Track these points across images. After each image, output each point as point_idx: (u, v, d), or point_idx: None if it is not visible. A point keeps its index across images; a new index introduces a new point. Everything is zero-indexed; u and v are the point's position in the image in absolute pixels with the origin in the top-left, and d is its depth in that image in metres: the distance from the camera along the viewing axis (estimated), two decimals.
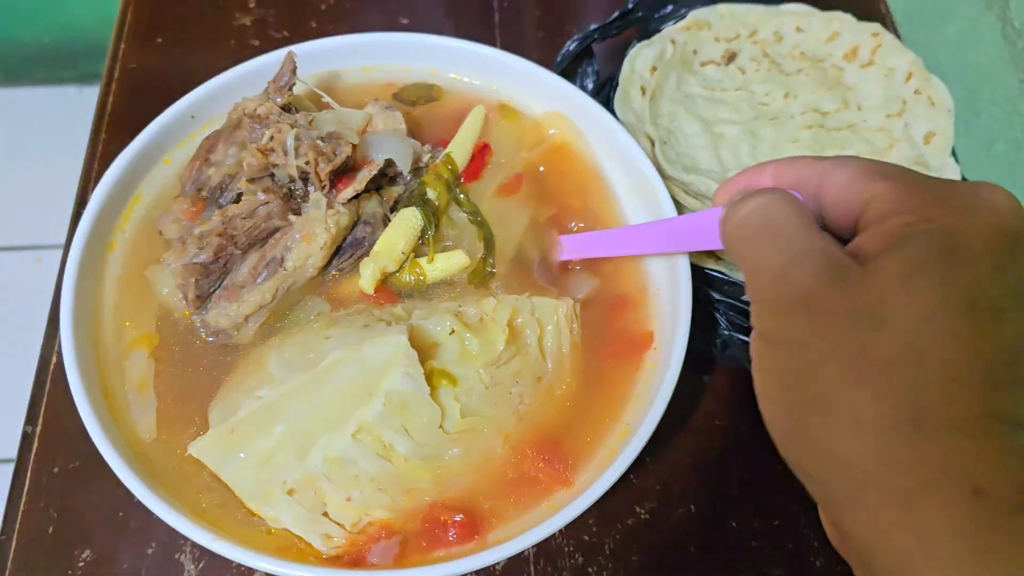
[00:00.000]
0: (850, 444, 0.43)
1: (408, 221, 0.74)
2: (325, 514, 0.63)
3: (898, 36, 1.17)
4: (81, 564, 0.76)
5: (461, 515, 0.65)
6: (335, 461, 0.62)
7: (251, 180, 0.71)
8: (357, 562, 0.62)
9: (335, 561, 0.62)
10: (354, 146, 0.73)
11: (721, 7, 0.95)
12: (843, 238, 0.51)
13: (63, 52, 2.43)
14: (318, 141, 0.70)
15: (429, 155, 0.78)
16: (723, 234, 0.55)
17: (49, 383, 0.85)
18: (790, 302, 0.47)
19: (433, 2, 1.13)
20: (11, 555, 0.77)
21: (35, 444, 0.82)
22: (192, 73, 1.03)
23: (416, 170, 0.77)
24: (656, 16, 0.99)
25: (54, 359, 0.86)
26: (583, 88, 0.99)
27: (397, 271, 0.73)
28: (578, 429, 0.69)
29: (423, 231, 0.74)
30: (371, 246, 0.73)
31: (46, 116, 2.49)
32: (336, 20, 1.10)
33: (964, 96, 1.21)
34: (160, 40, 1.08)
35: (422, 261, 0.74)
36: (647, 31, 0.98)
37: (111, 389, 0.70)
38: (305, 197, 0.72)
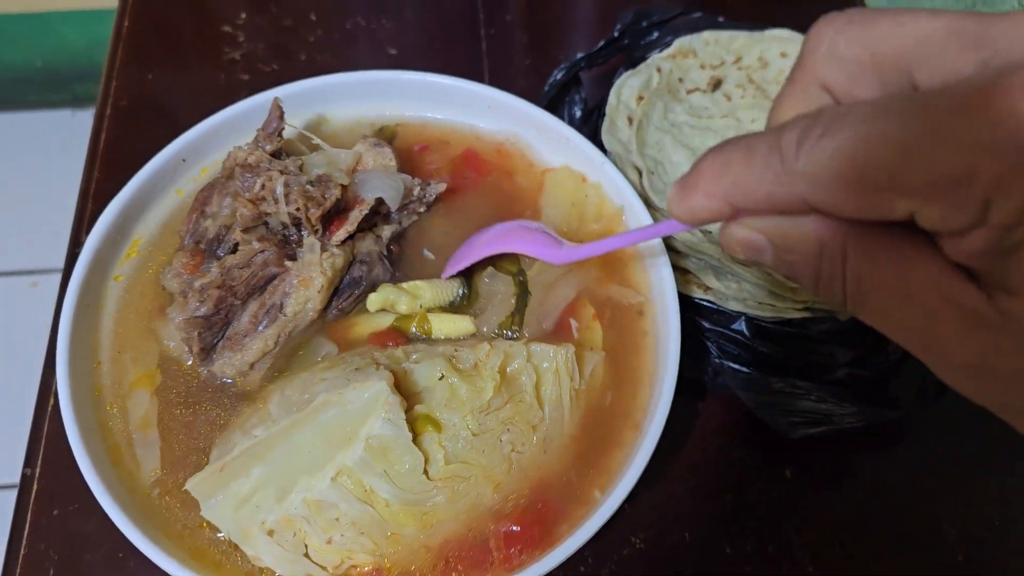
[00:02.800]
0: None
1: (445, 288, 0.76)
2: (306, 555, 0.64)
3: None
4: None
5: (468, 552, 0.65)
6: (314, 504, 0.63)
7: (246, 230, 0.71)
8: None
9: None
10: (344, 187, 0.74)
11: (706, 34, 0.96)
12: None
13: (55, 76, 2.44)
14: (307, 186, 0.71)
15: (419, 188, 0.79)
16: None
17: (47, 424, 0.85)
18: (963, 367, 0.41)
19: (420, 32, 1.14)
20: None
21: (34, 486, 0.82)
22: (183, 109, 1.05)
23: (406, 205, 0.78)
24: (642, 43, 1.00)
25: (51, 400, 0.87)
26: (571, 116, 1.00)
27: (408, 315, 0.75)
28: (574, 475, 0.70)
29: (457, 297, 0.77)
30: (369, 285, 0.74)
31: (39, 140, 2.50)
32: (324, 52, 1.11)
33: None
34: (151, 76, 1.09)
35: (431, 317, 0.75)
36: (633, 59, 0.99)
37: (110, 429, 0.71)
38: (300, 242, 0.73)
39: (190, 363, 0.74)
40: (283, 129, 0.77)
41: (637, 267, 0.79)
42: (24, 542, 0.80)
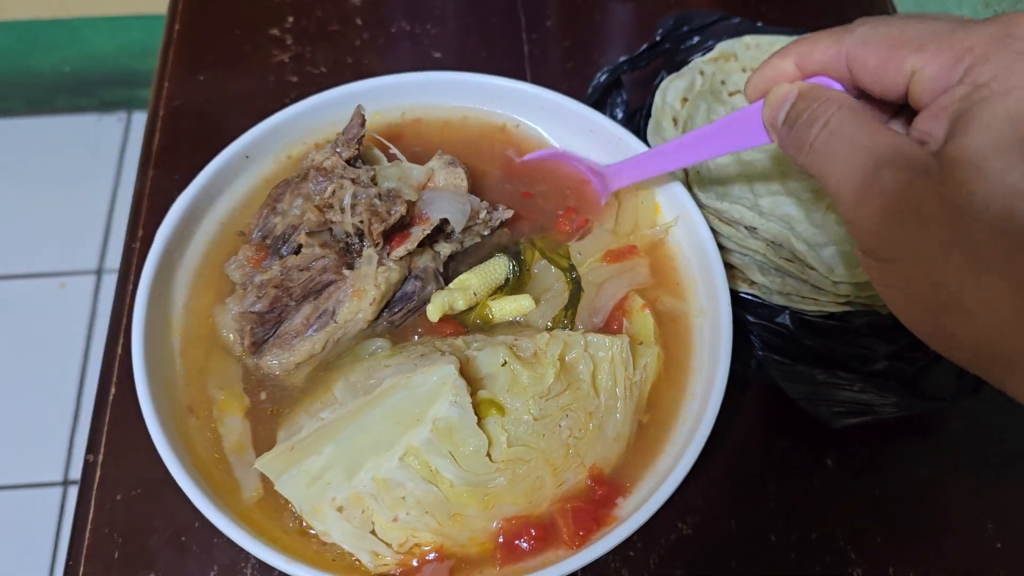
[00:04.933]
0: (991, 335, 0.45)
1: (491, 269, 0.78)
2: (372, 532, 0.67)
3: None
4: None
5: (534, 529, 0.68)
6: (382, 483, 0.65)
7: (310, 234, 0.74)
8: None
9: None
10: (411, 203, 0.76)
11: (747, 38, 0.98)
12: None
13: (83, 81, 2.49)
14: (375, 200, 0.74)
15: (486, 212, 0.80)
16: (782, 142, 0.58)
17: (109, 414, 0.88)
18: (884, 216, 0.48)
19: (463, 36, 1.17)
20: None
21: (97, 472, 0.85)
22: (233, 109, 1.08)
23: (469, 227, 0.80)
24: (683, 47, 1.03)
25: (113, 389, 0.89)
26: (613, 117, 1.02)
27: (467, 310, 0.77)
28: (627, 462, 0.73)
29: (506, 280, 0.79)
30: (420, 300, 0.77)
31: (67, 144, 2.54)
32: (370, 55, 1.14)
33: None
34: (202, 78, 1.12)
35: (491, 303, 0.77)
36: (674, 63, 1.02)
37: (183, 420, 0.73)
38: (360, 252, 0.75)
39: (238, 352, 0.76)
40: (363, 136, 0.79)
41: (687, 267, 0.82)
42: (89, 526, 0.83)
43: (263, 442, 0.74)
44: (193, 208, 0.79)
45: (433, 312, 0.75)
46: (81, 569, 0.81)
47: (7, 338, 2.17)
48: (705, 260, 0.78)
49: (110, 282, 2.25)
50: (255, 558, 0.70)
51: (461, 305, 0.76)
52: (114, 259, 2.27)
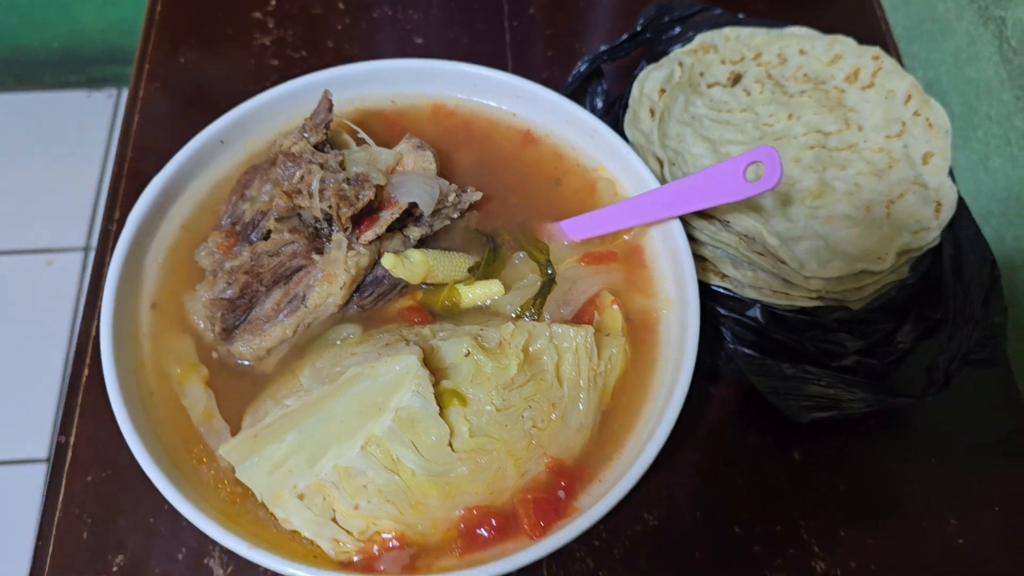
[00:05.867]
0: None
1: (454, 256, 0.79)
2: (334, 520, 0.67)
3: (898, 53, 1.21)
4: (115, 569, 0.80)
5: (494, 519, 0.68)
6: (344, 471, 0.66)
7: (279, 219, 0.74)
8: (367, 569, 0.66)
9: (347, 567, 0.66)
10: (380, 187, 0.76)
11: (727, 30, 0.98)
12: None
13: (71, 58, 2.47)
14: (343, 184, 0.73)
15: (455, 195, 0.81)
16: None
17: (81, 395, 0.88)
18: None
19: (446, 22, 1.17)
20: (48, 560, 0.81)
21: (69, 453, 0.86)
22: (213, 92, 1.08)
23: (439, 210, 0.80)
24: (663, 38, 1.03)
25: (85, 371, 0.89)
26: (593, 107, 1.03)
27: (435, 293, 0.78)
28: (590, 452, 0.73)
29: (476, 264, 0.80)
30: (391, 284, 0.77)
31: (55, 120, 2.52)
32: (352, 40, 1.14)
33: (962, 111, 1.25)
34: (183, 60, 1.11)
35: (460, 287, 0.77)
36: (655, 53, 1.02)
37: (151, 404, 0.74)
38: (330, 237, 0.75)
39: (209, 339, 0.77)
40: (331, 121, 0.79)
41: (659, 261, 0.82)
42: (59, 507, 0.83)
43: (228, 409, 0.74)
44: (165, 193, 0.79)
45: (387, 260, 0.75)
46: (51, 549, 0.81)
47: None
48: (675, 254, 0.79)
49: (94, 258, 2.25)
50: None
51: (416, 257, 0.76)
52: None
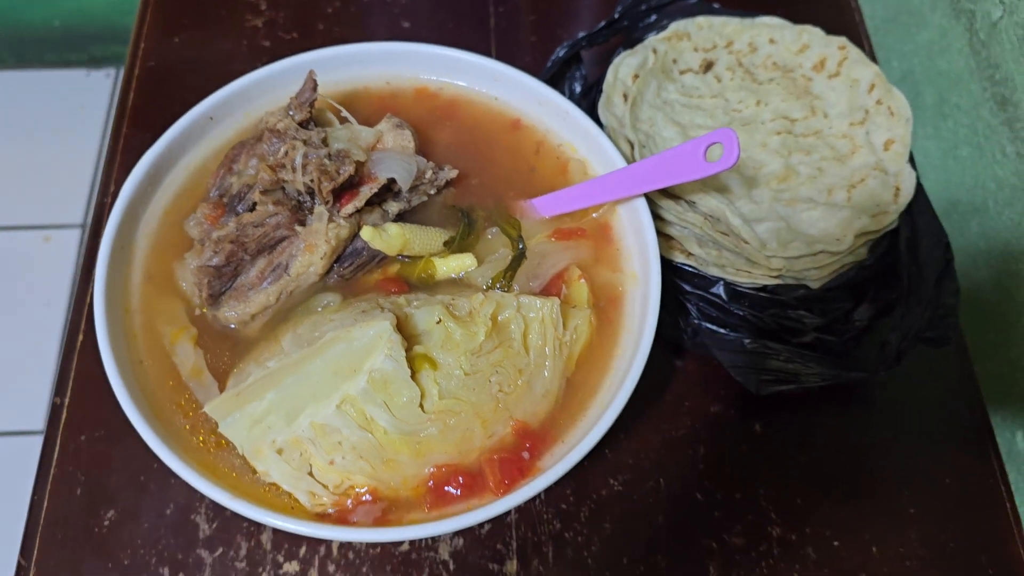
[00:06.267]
0: None
1: (430, 230, 0.83)
2: (310, 474, 0.71)
3: (870, 44, 1.24)
4: (106, 523, 0.84)
5: (462, 477, 0.73)
6: (320, 428, 0.70)
7: (264, 192, 0.78)
8: (341, 520, 0.71)
9: (322, 518, 0.71)
10: (360, 163, 0.80)
11: (700, 19, 1.02)
12: None
13: (73, 36, 2.50)
14: (325, 160, 0.77)
15: (431, 172, 0.84)
16: None
17: (76, 359, 0.93)
18: None
19: (433, 7, 1.20)
20: (43, 514, 0.85)
21: (63, 415, 0.90)
22: (207, 71, 1.12)
23: (416, 186, 0.84)
24: (641, 25, 1.07)
25: (80, 337, 0.94)
26: (571, 91, 1.07)
27: (411, 265, 0.82)
28: (555, 416, 0.77)
29: (451, 238, 0.84)
30: (370, 256, 0.81)
31: (55, 98, 2.55)
32: (342, 23, 1.17)
33: (934, 102, 1.28)
34: (177, 40, 1.15)
35: (435, 260, 0.82)
36: (631, 39, 1.05)
37: (142, 366, 0.78)
38: (312, 210, 0.79)
39: (196, 303, 0.81)
40: (315, 100, 0.83)
41: (625, 238, 0.86)
42: (53, 465, 0.88)
43: (216, 367, 0.78)
44: (157, 167, 0.83)
45: (365, 232, 0.79)
46: (45, 504, 0.86)
47: None
48: (640, 232, 0.82)
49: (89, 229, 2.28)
50: (209, 499, 0.74)
51: (391, 237, 0.80)
52: None
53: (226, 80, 0.89)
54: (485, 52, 1.14)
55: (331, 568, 0.83)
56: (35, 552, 0.83)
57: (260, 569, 0.83)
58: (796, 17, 1.05)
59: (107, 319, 0.75)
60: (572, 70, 1.07)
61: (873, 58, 1.23)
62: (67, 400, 0.91)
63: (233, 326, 0.79)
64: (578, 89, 1.06)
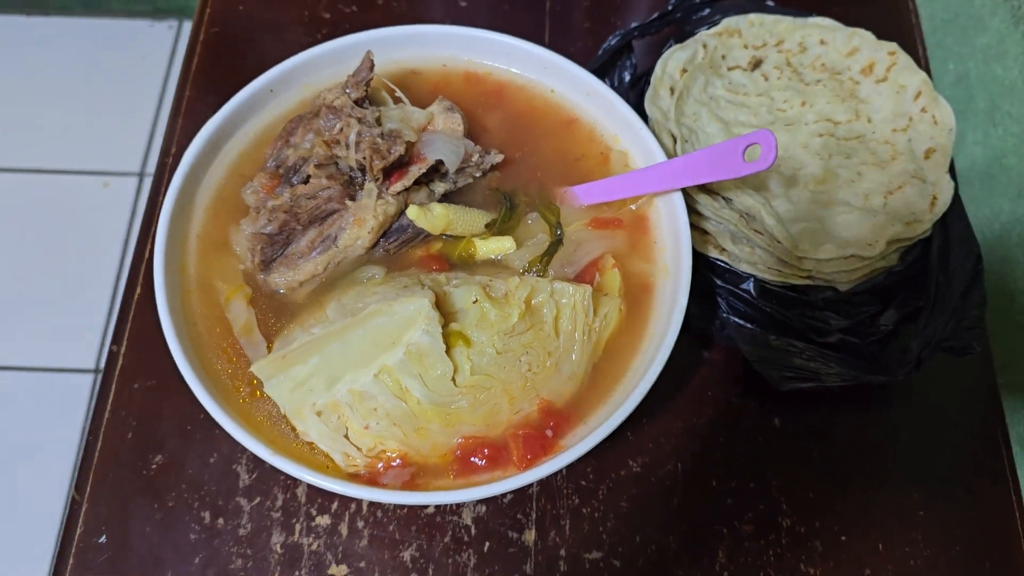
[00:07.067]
0: None
1: (472, 211, 0.86)
2: (346, 436, 0.76)
3: (925, 46, 1.24)
4: (154, 467, 0.90)
5: (487, 449, 0.77)
6: (358, 394, 0.74)
7: (318, 166, 0.82)
8: (372, 482, 0.75)
9: (355, 478, 0.76)
10: (411, 143, 0.83)
11: (752, 16, 1.03)
12: None
13: None
14: (378, 139, 0.81)
15: (478, 155, 0.88)
16: None
17: (133, 311, 0.98)
18: None
19: None
20: (96, 454, 0.91)
21: (119, 362, 0.96)
22: (268, 39, 1.16)
23: (463, 169, 0.87)
24: (693, 18, 1.08)
25: (138, 290, 0.99)
26: (620, 80, 1.09)
27: (453, 244, 0.86)
28: (580, 398, 0.81)
29: (493, 221, 0.87)
30: (415, 233, 0.84)
31: (118, 47, 2.62)
32: None
33: (985, 107, 1.28)
34: (241, 7, 1.19)
35: (476, 240, 0.85)
36: (683, 32, 1.07)
37: (195, 324, 0.83)
38: (362, 185, 0.83)
39: (249, 267, 0.85)
40: (371, 79, 0.86)
41: (660, 231, 0.89)
42: (108, 409, 0.93)
43: (264, 326, 0.83)
44: (218, 134, 0.88)
45: (411, 211, 0.83)
46: (99, 445, 0.92)
47: (52, 230, 2.29)
48: (675, 227, 0.85)
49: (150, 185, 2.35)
50: (250, 451, 0.80)
51: (435, 217, 0.84)
52: (155, 164, 2.38)
53: (285, 50, 0.93)
54: (539, 35, 1.17)
55: (360, 524, 0.88)
56: (88, 488, 0.89)
57: (294, 520, 0.88)
58: (853, 15, 1.06)
59: (166, 283, 0.80)
60: (623, 59, 1.09)
61: (927, 59, 1.24)
62: (123, 349, 0.96)
63: (282, 291, 0.83)
64: (627, 78, 1.08)
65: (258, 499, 0.89)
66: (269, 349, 0.81)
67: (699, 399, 0.96)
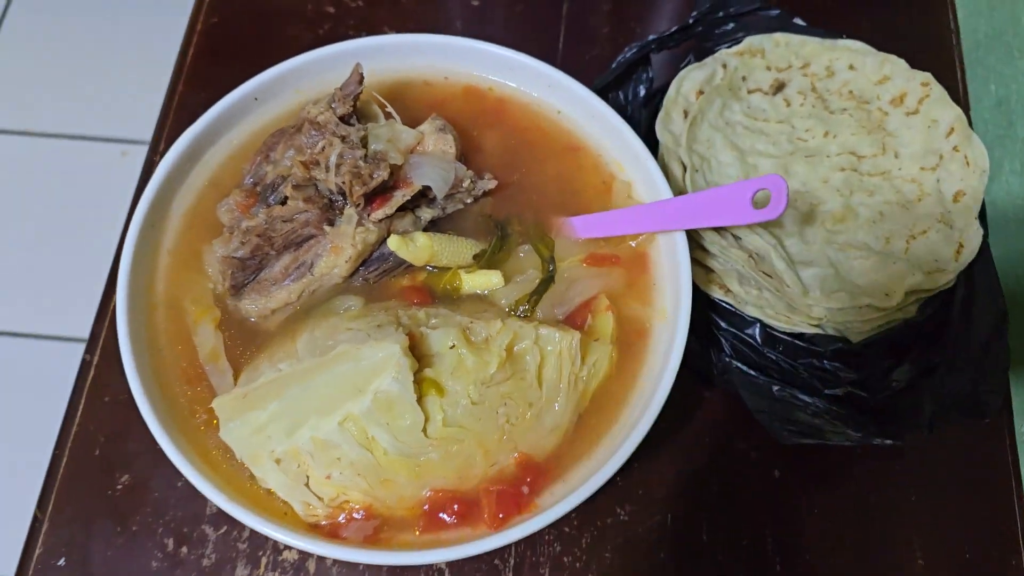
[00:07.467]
0: None
1: (460, 241, 0.81)
2: (307, 485, 0.72)
3: (962, 67, 1.16)
4: (119, 487, 0.87)
5: (457, 504, 0.72)
6: (320, 443, 0.70)
7: (296, 187, 0.77)
8: (332, 534, 0.71)
9: (315, 529, 0.72)
10: (397, 166, 0.78)
11: (778, 35, 0.96)
12: None
13: None
14: (360, 161, 0.76)
15: (469, 181, 0.82)
16: None
17: (108, 319, 0.94)
18: None
19: None
20: (62, 468, 0.88)
21: (91, 372, 0.92)
22: (267, 33, 1.10)
23: (452, 195, 0.82)
24: (716, 32, 1.01)
25: (114, 300, 0.95)
26: (635, 94, 1.02)
27: (438, 275, 0.81)
28: (562, 451, 0.76)
29: (482, 251, 0.82)
30: (397, 262, 0.79)
31: (143, 15, 2.57)
32: None
33: None
34: None
35: (462, 273, 0.80)
36: (703, 48, 1.00)
37: (157, 344, 0.79)
38: (343, 209, 0.78)
39: (219, 291, 0.81)
40: (359, 93, 0.81)
41: (660, 271, 0.83)
42: (77, 420, 0.90)
43: (232, 353, 0.79)
44: (197, 144, 0.83)
45: (392, 241, 0.78)
46: (65, 459, 0.88)
47: (68, 196, 2.27)
48: (676, 270, 0.79)
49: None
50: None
51: (418, 249, 0.78)
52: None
53: (284, 44, 0.89)
54: (554, 38, 1.10)
55: (329, 562, 0.84)
56: (50, 506, 0.86)
57: (260, 553, 0.84)
58: (889, 31, 0.98)
59: (129, 298, 0.77)
60: (639, 71, 1.02)
61: (965, 83, 1.16)
62: (96, 359, 0.92)
63: (253, 319, 0.79)
64: (642, 92, 1.02)
65: (224, 528, 0.85)
66: (236, 378, 0.77)
67: (695, 444, 0.91)
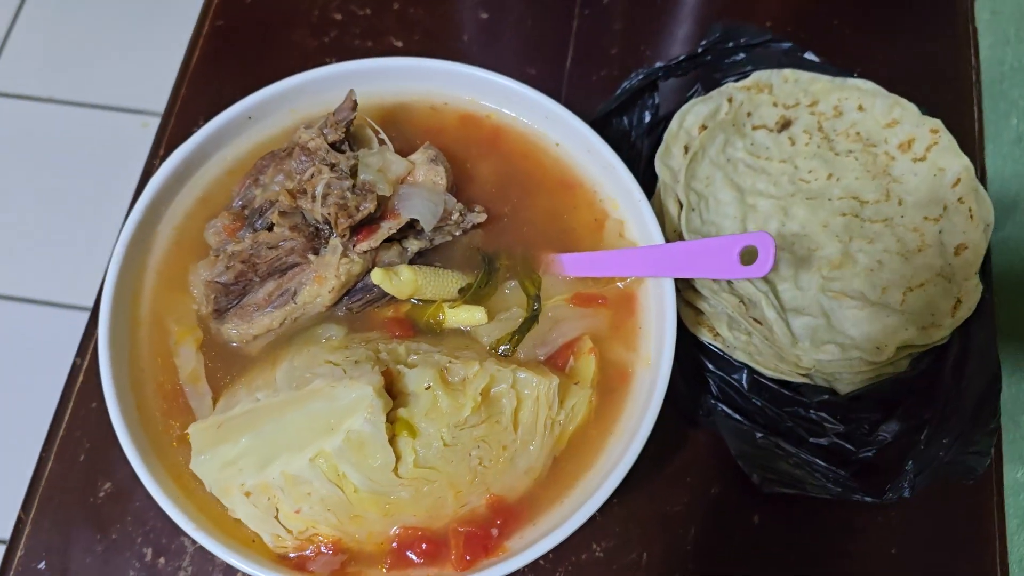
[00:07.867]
0: None
1: (445, 275, 0.80)
2: (276, 518, 0.72)
3: (979, 106, 1.13)
4: (102, 494, 0.88)
5: (425, 543, 0.72)
6: (291, 478, 0.70)
7: (282, 214, 0.76)
8: (300, 567, 0.72)
9: (283, 560, 0.72)
10: (385, 198, 0.77)
11: (787, 71, 0.94)
12: None
13: None
14: (347, 192, 0.75)
15: (459, 213, 0.81)
16: None
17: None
18: None
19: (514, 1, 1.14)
20: (47, 471, 0.89)
21: (80, 377, 0.93)
22: (272, 39, 1.10)
23: (441, 227, 0.81)
24: (725, 62, 0.99)
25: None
26: (640, 120, 1.01)
27: (422, 308, 0.81)
28: (535, 494, 0.76)
29: (468, 286, 0.81)
30: (381, 293, 0.79)
31: None
32: (416, 4, 1.12)
33: None
34: (248, 1, 1.12)
35: (446, 307, 0.80)
36: (710, 78, 0.98)
37: (140, 379, 0.79)
38: (329, 239, 0.77)
39: (203, 314, 0.81)
40: (352, 120, 0.80)
41: (647, 316, 0.82)
42: (64, 424, 0.91)
43: (212, 375, 0.79)
44: (187, 163, 0.83)
45: (375, 274, 0.77)
46: (50, 463, 0.89)
47: (88, 165, 2.28)
48: (663, 317, 0.78)
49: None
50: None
51: (402, 283, 0.78)
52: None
53: (289, 51, 0.88)
54: (562, 55, 1.09)
55: None
56: (34, 508, 0.87)
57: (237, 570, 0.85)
58: (906, 64, 0.95)
59: (112, 312, 0.77)
60: (645, 97, 1.01)
61: (982, 120, 1.13)
62: (86, 363, 0.93)
63: (235, 344, 0.79)
64: (647, 119, 1.00)
65: None
66: (215, 401, 0.77)
67: (676, 483, 0.90)
